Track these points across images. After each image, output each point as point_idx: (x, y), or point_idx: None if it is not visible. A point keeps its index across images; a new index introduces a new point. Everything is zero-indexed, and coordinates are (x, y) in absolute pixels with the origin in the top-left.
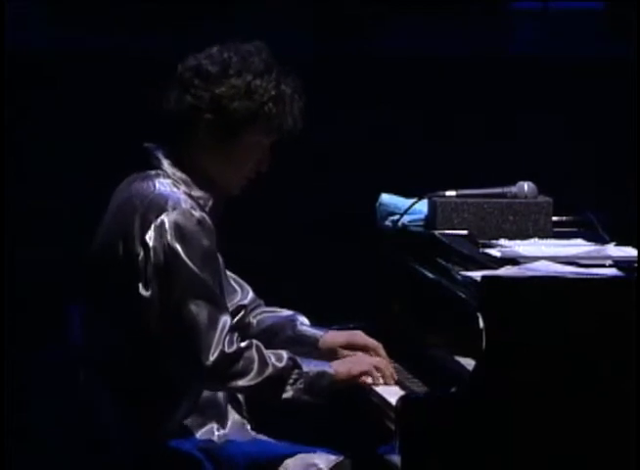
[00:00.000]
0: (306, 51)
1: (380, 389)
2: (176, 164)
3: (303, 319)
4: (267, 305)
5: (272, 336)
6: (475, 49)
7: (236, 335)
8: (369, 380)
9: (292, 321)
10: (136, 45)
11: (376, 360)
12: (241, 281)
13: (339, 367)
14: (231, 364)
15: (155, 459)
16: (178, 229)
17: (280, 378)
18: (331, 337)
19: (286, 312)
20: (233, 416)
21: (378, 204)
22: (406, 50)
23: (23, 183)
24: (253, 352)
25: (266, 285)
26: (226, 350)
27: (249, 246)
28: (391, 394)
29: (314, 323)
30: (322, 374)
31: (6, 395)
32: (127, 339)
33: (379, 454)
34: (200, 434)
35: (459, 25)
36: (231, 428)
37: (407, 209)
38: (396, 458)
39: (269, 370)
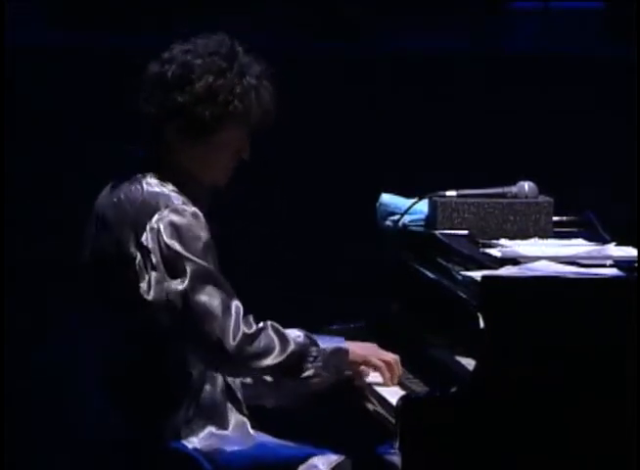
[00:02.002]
0: (306, 51)
1: (380, 389)
2: (157, 167)
3: None
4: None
5: None
6: (475, 48)
7: (251, 317)
8: (377, 376)
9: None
10: (136, 44)
11: (390, 357)
12: None
13: (356, 349)
14: (253, 344)
15: (154, 461)
16: (174, 227)
17: (301, 355)
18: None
19: None
20: (235, 416)
21: (378, 204)
22: (407, 49)
23: (24, 182)
24: (271, 332)
25: (267, 285)
26: (247, 331)
27: (248, 246)
28: (392, 394)
29: (315, 323)
30: (337, 350)
31: (6, 395)
32: (127, 341)
33: (379, 454)
34: (200, 436)
35: (460, 25)
36: (232, 429)
37: (407, 208)
38: (396, 458)
39: (291, 347)
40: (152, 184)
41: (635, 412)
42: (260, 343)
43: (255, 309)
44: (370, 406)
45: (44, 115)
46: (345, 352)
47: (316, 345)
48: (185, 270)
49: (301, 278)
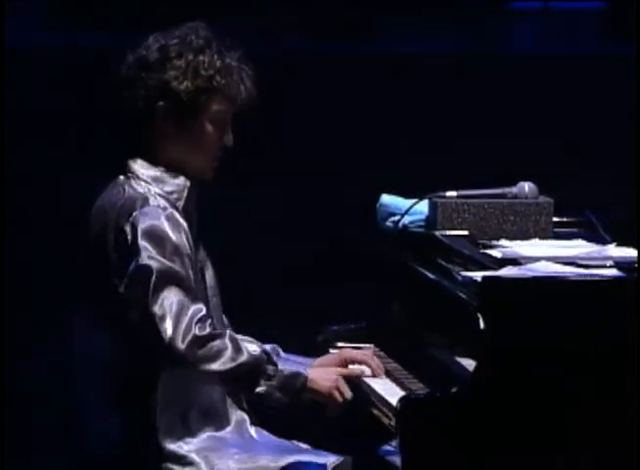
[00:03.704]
0: (306, 52)
1: (380, 389)
2: (142, 164)
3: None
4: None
5: None
6: (475, 48)
7: (209, 322)
8: (343, 394)
9: (274, 349)
10: (137, 45)
11: (346, 372)
12: None
13: (315, 377)
14: (203, 347)
15: (152, 462)
16: (147, 228)
17: (254, 368)
18: (318, 363)
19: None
20: (235, 413)
21: (378, 204)
22: (407, 49)
23: (24, 183)
24: (227, 340)
25: (266, 286)
26: (197, 332)
27: (248, 247)
28: (392, 394)
29: (315, 323)
30: (296, 375)
31: (6, 395)
32: (116, 342)
33: (379, 455)
34: (197, 438)
35: (460, 25)
36: (232, 428)
37: (408, 209)
38: (396, 458)
39: (243, 357)
40: (133, 187)
41: (635, 412)
42: (211, 347)
43: (255, 310)
44: (370, 406)
45: (44, 115)
46: (304, 378)
47: (274, 364)
48: (151, 270)
49: (301, 278)
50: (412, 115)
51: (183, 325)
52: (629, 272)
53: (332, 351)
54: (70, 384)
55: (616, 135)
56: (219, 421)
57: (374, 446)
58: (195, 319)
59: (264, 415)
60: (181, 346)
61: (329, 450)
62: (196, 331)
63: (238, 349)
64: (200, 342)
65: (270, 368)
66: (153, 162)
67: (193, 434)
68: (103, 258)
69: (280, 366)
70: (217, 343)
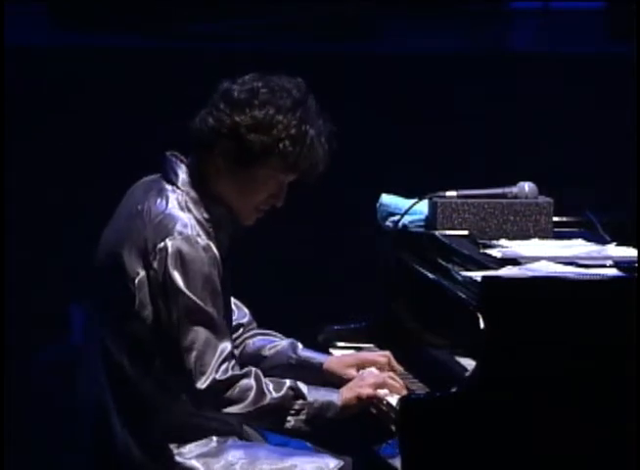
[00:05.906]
0: (307, 50)
1: (379, 389)
2: (193, 182)
3: (301, 345)
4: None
5: (269, 359)
6: (475, 48)
7: (233, 362)
8: (380, 394)
9: (292, 344)
10: (136, 45)
11: (382, 377)
12: (239, 303)
13: (347, 394)
14: (224, 391)
15: (152, 468)
16: (180, 256)
17: (280, 407)
18: (337, 361)
19: (283, 339)
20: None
21: (378, 204)
22: (407, 49)
23: (24, 183)
24: (252, 381)
25: (267, 285)
26: (218, 377)
27: (249, 247)
28: (392, 394)
29: (315, 323)
30: (328, 405)
31: (6, 395)
32: (121, 344)
33: (379, 455)
34: (197, 442)
35: (460, 25)
36: (233, 428)
37: (408, 209)
38: (396, 458)
39: (267, 399)
40: (176, 205)
41: (635, 412)
42: (232, 391)
43: (256, 310)
44: (370, 406)
45: (44, 115)
46: (336, 406)
47: (302, 398)
48: (178, 303)
49: (302, 278)
50: (412, 114)
51: (207, 366)
52: (629, 272)
53: (332, 350)
54: (71, 383)
55: (615, 135)
56: (221, 423)
57: (374, 446)
58: (219, 361)
59: None
60: (201, 387)
61: (329, 450)
62: (217, 375)
63: (261, 390)
64: (220, 386)
65: (298, 403)
66: (199, 183)
67: (193, 439)
68: (126, 265)
69: (309, 398)
70: (241, 384)
